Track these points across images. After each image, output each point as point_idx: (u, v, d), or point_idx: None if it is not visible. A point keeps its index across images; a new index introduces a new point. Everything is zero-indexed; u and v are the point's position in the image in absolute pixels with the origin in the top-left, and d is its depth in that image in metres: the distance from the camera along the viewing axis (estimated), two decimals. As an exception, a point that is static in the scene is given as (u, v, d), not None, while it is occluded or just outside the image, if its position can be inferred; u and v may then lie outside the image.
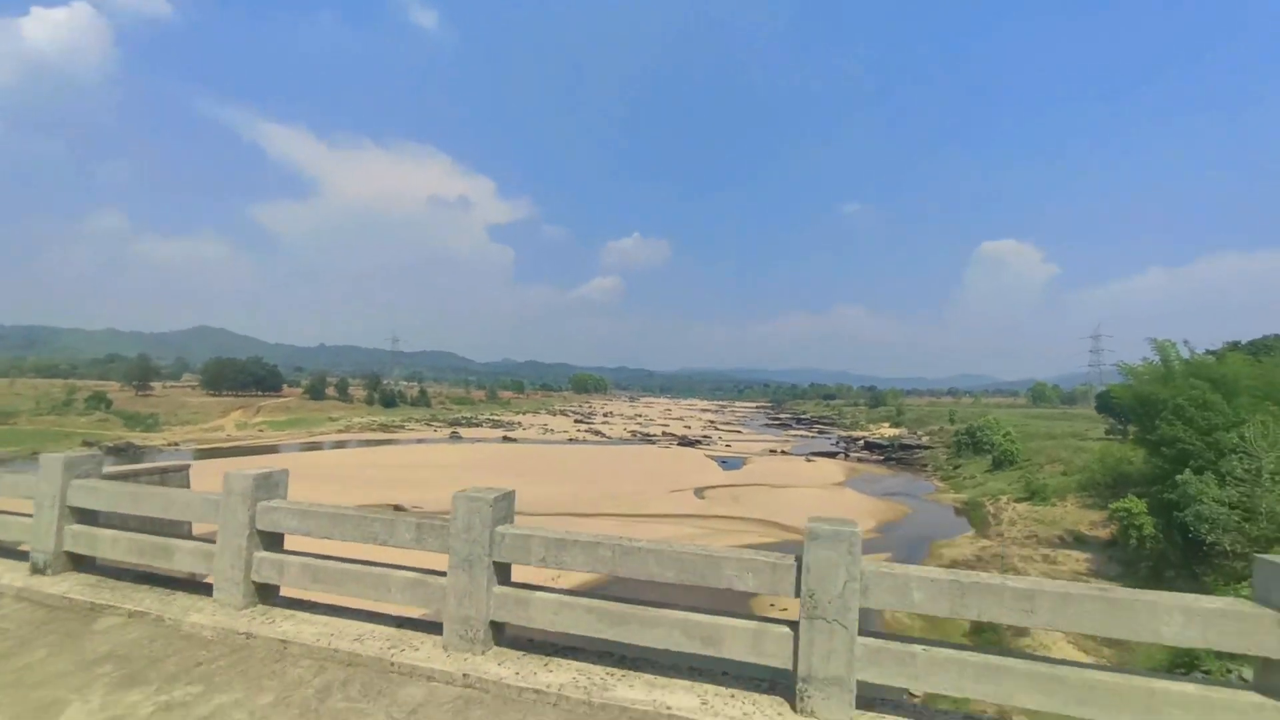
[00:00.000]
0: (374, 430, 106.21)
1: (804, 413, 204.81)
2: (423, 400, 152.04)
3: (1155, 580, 26.05)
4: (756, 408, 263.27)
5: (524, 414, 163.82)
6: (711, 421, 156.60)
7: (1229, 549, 22.46)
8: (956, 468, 70.83)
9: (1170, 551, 26.27)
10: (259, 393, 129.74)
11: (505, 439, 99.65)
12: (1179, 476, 25.17)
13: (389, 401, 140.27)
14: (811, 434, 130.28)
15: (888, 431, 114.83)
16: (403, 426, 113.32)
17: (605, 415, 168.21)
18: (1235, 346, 34.54)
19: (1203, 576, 23.64)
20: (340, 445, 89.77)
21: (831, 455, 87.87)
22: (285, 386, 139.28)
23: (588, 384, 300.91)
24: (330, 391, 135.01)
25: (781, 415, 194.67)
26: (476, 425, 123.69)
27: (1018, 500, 48.70)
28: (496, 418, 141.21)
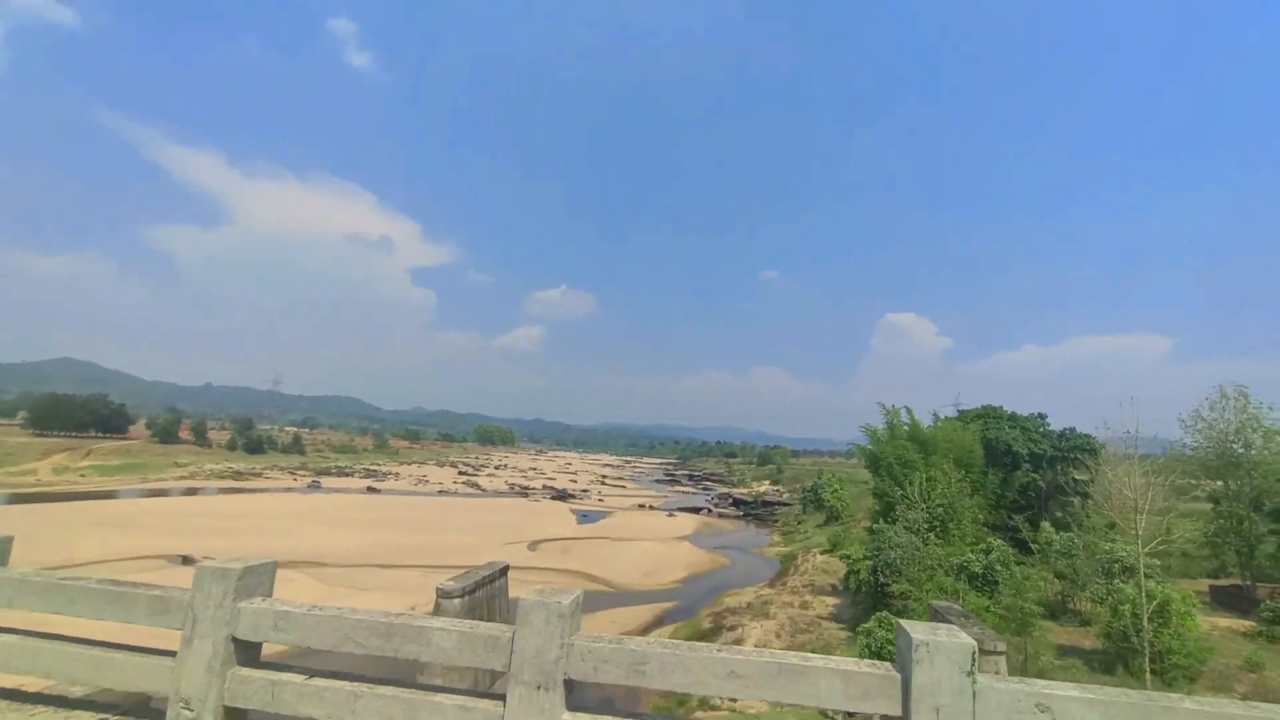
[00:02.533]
0: (224, 478, 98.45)
1: (700, 470, 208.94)
2: (296, 447, 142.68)
3: (864, 619, 28.85)
4: (660, 464, 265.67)
5: (410, 464, 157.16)
6: (604, 477, 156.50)
7: (897, 592, 25.55)
8: (800, 522, 74.84)
9: (874, 594, 29.34)
10: (98, 434, 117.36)
11: (370, 490, 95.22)
12: (874, 525, 28.50)
13: (255, 447, 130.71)
14: (694, 490, 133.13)
15: (762, 489, 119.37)
16: (260, 475, 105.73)
17: (497, 468, 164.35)
18: (964, 414, 40.02)
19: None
20: (192, 492, 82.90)
21: (696, 511, 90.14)
22: (132, 428, 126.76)
23: (493, 435, 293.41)
24: (185, 434, 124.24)
25: (678, 472, 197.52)
26: (348, 475, 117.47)
27: (823, 552, 52.16)
28: (375, 468, 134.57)
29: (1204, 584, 27.84)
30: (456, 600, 16.32)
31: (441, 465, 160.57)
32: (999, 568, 22.74)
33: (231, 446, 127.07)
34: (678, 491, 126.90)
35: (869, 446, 35.62)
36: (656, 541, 62.10)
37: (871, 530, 28.64)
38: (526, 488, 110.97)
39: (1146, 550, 17.89)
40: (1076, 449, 33.28)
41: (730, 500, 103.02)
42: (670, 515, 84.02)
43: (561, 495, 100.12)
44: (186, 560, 43.34)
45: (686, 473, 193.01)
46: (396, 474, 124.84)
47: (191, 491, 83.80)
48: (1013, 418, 37.25)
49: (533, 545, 55.72)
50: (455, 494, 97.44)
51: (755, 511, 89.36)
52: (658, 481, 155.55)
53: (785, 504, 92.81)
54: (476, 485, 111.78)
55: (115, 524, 52.22)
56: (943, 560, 24.47)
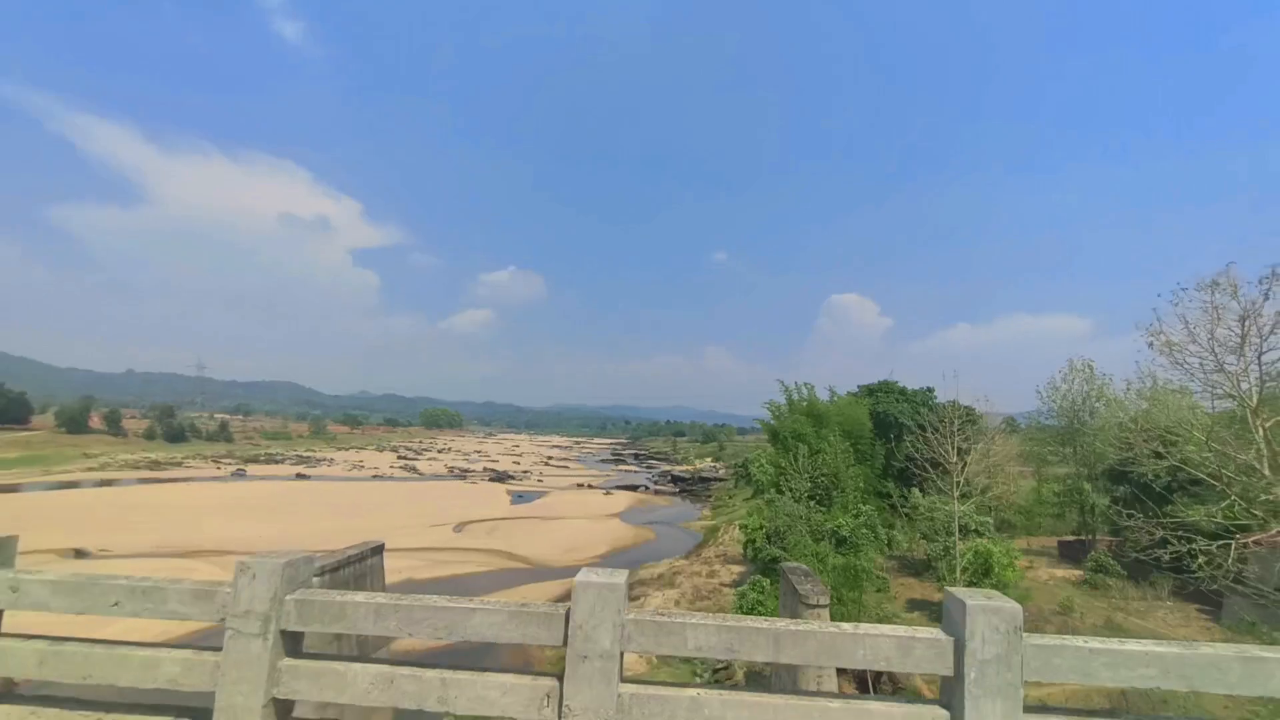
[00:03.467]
0: (139, 469, 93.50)
1: (648, 449, 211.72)
2: (223, 435, 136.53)
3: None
4: (610, 444, 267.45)
5: (349, 450, 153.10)
6: (549, 458, 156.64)
7: (769, 558, 27.07)
8: (731, 496, 77.37)
9: (764, 560, 30.98)
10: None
11: (299, 476, 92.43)
12: (767, 495, 29.99)
13: (176, 436, 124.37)
14: (638, 469, 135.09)
15: (702, 466, 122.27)
16: (180, 464, 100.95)
17: (440, 451, 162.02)
18: (863, 389, 42.27)
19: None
20: (108, 484, 78.34)
21: (633, 489, 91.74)
22: (37, 418, 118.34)
23: (440, 419, 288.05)
24: (97, 423, 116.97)
25: (625, 452, 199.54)
26: (278, 462, 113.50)
27: (742, 524, 54.30)
28: (309, 454, 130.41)
29: (1054, 540, 30.76)
30: (314, 580, 16.49)
31: (381, 450, 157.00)
32: (864, 530, 24.46)
33: (150, 435, 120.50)
34: (621, 470, 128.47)
35: (771, 421, 37.18)
36: (587, 519, 63.10)
37: (766, 500, 30.17)
38: (466, 471, 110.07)
39: (972, 509, 19.70)
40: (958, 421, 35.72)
41: (669, 477, 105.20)
42: (607, 494, 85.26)
43: (500, 477, 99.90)
44: (79, 554, 41.42)
45: (633, 452, 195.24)
46: (331, 460, 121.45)
47: (107, 483, 79.37)
48: (902, 392, 39.53)
49: (459, 527, 55.74)
50: (390, 478, 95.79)
51: (691, 488, 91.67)
52: (603, 461, 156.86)
53: (721, 479, 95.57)
54: (414, 469, 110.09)
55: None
56: (818, 526, 26.10)
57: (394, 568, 39.00)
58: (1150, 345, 12.47)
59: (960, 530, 22.22)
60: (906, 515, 28.89)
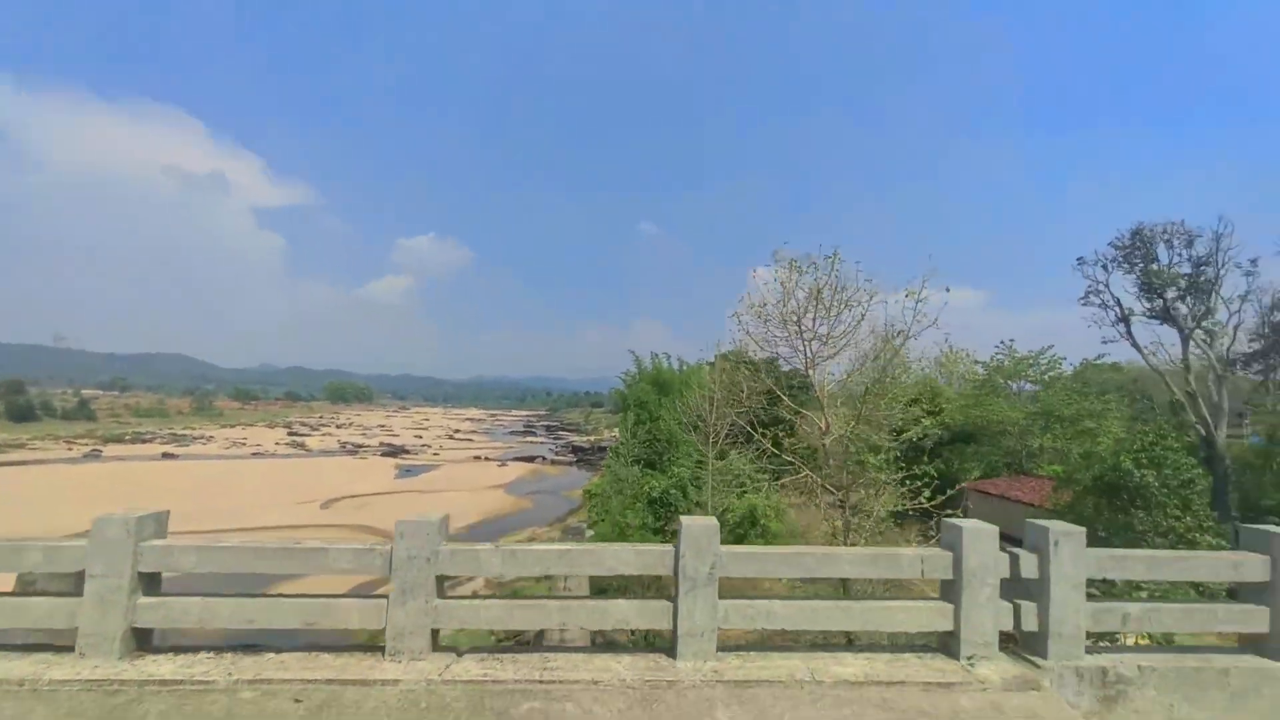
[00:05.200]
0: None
1: (564, 420, 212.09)
2: (83, 412, 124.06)
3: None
4: (528, 416, 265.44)
5: (234, 427, 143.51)
6: (457, 431, 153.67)
7: (592, 520, 28.22)
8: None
9: (602, 523, 32.19)
10: None
11: (165, 456, 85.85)
12: (608, 462, 31.04)
13: (24, 414, 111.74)
14: (545, 440, 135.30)
15: (606, 435, 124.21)
16: (23, 445, 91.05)
17: (339, 427, 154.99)
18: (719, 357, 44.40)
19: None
20: None
21: (531, 459, 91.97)
22: None
23: (347, 393, 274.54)
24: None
25: (540, 424, 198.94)
26: (146, 441, 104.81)
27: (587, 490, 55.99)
28: (186, 432, 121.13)
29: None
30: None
31: (273, 427, 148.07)
32: (674, 491, 25.94)
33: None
34: (526, 442, 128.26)
35: (623, 390, 38.33)
36: (470, 492, 62.81)
37: (608, 466, 31.22)
38: (360, 446, 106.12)
39: (751, 467, 21.39)
40: (795, 387, 38.27)
41: (571, 447, 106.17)
42: (502, 465, 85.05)
43: (394, 452, 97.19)
44: None
45: (547, 424, 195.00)
46: (210, 438, 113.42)
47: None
48: (750, 361, 41.75)
49: (326, 503, 53.98)
50: (273, 455, 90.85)
51: (589, 457, 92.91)
52: (513, 433, 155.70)
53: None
54: (302, 446, 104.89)
55: None
56: (638, 488, 27.41)
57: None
58: (734, 316, 14.01)
59: (742, 486, 24.07)
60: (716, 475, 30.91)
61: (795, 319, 13.29)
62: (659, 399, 34.66)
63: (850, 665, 3.86)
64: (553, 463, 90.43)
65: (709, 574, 3.83)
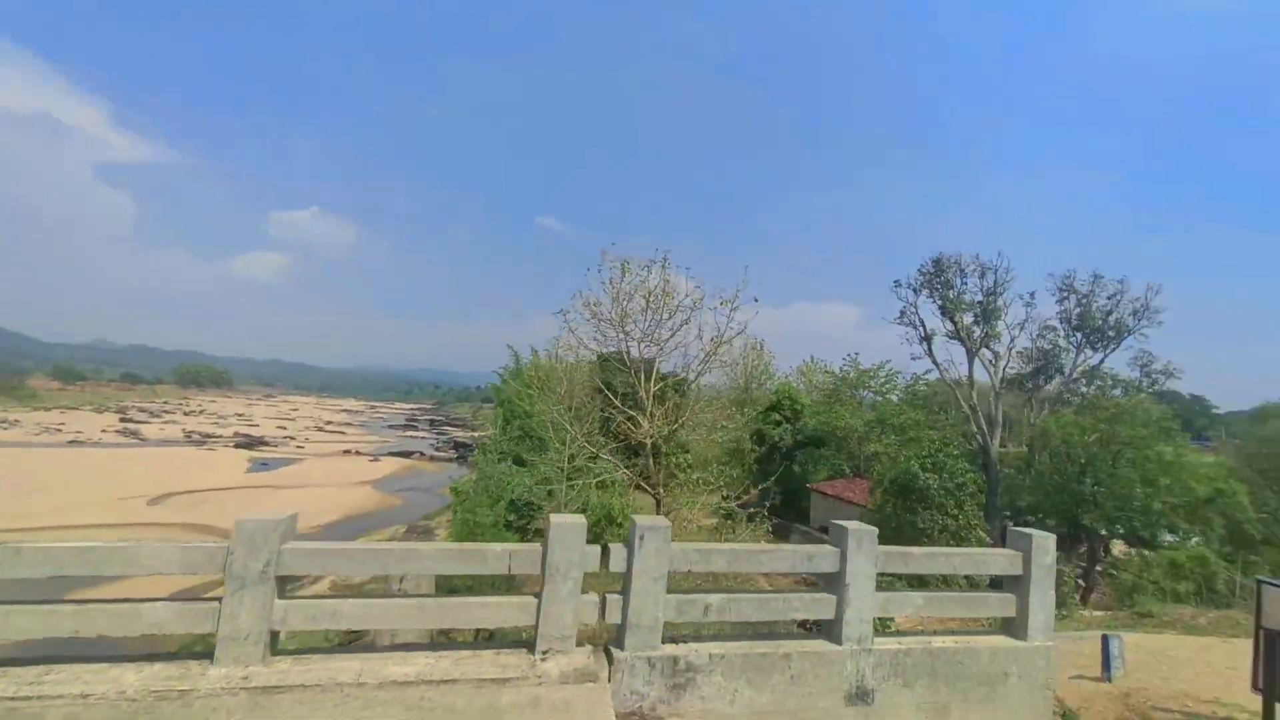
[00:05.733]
0: None
1: (451, 415, 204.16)
2: None
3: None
4: (412, 409, 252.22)
5: (54, 409, 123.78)
6: (328, 422, 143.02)
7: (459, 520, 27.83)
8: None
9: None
10: None
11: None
12: (478, 459, 30.58)
13: None
14: (428, 434, 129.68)
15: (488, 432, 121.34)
16: None
17: (186, 414, 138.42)
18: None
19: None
20: None
21: (408, 455, 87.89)
22: None
23: (200, 376, 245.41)
24: None
25: (424, 418, 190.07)
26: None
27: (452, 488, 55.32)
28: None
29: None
30: None
31: (101, 412, 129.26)
32: (536, 489, 26.26)
33: None
34: (406, 436, 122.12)
35: (500, 385, 38.06)
36: (334, 488, 59.10)
37: (476, 463, 30.82)
38: (209, 436, 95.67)
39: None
40: (668, 389, 40.07)
41: (453, 443, 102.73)
42: (374, 460, 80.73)
43: (250, 443, 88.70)
44: None
45: (432, 418, 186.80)
46: (14, 422, 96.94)
47: None
48: (622, 362, 43.15)
49: (156, 500, 48.38)
50: (98, 445, 79.42)
51: (469, 453, 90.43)
52: (392, 427, 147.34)
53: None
54: (137, 435, 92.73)
55: None
56: (503, 486, 27.44)
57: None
58: (561, 313, 15.09)
59: (601, 485, 25.02)
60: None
61: (619, 320, 14.20)
62: (530, 395, 34.86)
63: (412, 665, 3.66)
64: (431, 459, 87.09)
65: (262, 571, 3.55)
